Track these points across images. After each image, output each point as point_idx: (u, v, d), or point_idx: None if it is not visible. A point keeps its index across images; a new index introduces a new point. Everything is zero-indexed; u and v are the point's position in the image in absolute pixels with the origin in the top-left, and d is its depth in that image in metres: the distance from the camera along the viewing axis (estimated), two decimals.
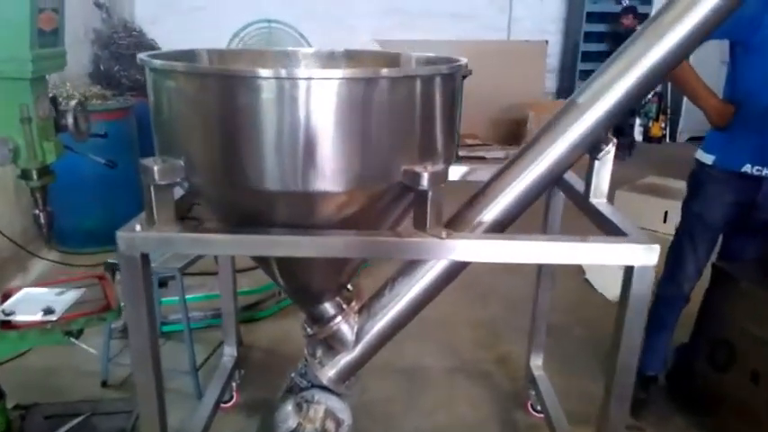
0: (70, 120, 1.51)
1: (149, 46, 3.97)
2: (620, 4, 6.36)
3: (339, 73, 1.06)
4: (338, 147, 1.09)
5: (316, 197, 1.13)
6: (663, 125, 6.79)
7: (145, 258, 1.18)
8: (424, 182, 1.13)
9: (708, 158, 1.86)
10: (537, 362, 2.02)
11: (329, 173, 1.10)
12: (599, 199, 1.44)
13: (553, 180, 1.43)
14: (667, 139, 6.91)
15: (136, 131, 3.32)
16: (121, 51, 3.69)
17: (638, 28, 1.38)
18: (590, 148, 1.40)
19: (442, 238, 1.16)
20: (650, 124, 6.75)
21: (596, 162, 1.42)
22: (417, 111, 1.16)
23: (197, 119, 1.12)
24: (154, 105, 1.20)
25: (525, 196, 1.40)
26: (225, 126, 1.09)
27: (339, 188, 1.12)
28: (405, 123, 1.15)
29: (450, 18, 6.35)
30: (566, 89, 6.66)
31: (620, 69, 1.35)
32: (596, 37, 6.28)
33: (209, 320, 2.63)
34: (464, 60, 1.29)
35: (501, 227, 1.40)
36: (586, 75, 6.34)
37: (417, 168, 1.14)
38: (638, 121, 6.74)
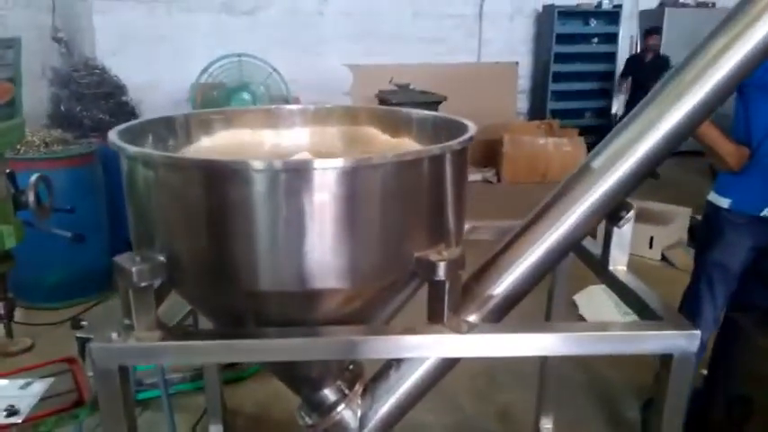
0: (31, 197, 1.35)
1: (112, 83, 3.79)
2: (589, 25, 6.43)
3: (340, 162, 0.93)
4: (342, 240, 0.96)
5: (317, 296, 1.00)
6: None
7: (124, 372, 1.02)
8: (441, 272, 1.01)
9: (724, 202, 1.80)
10: (547, 424, 1.90)
11: (332, 269, 0.97)
12: (619, 267, 1.34)
13: (568, 250, 1.33)
14: None
15: (101, 177, 3.13)
16: (82, 90, 3.49)
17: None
18: (608, 214, 1.30)
19: (462, 333, 1.04)
20: None
21: (615, 229, 1.32)
22: (428, 192, 1.04)
23: (179, 212, 0.98)
24: (129, 193, 1.05)
25: (539, 268, 1.29)
26: (211, 221, 0.95)
27: (343, 285, 0.99)
28: (415, 207, 1.03)
29: (420, 42, 6.31)
30: (537, 109, 6.67)
31: (639, 131, 1.25)
32: (567, 58, 6.31)
33: (190, 384, 2.44)
34: (473, 130, 1.18)
35: (512, 302, 1.28)
36: (558, 95, 6.45)
37: (432, 256, 1.01)
38: None
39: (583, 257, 1.48)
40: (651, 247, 3.77)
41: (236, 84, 3.85)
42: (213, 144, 1.41)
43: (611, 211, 1.29)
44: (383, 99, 5.26)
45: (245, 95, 3.69)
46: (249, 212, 0.92)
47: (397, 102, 4.99)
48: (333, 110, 1.56)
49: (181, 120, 1.36)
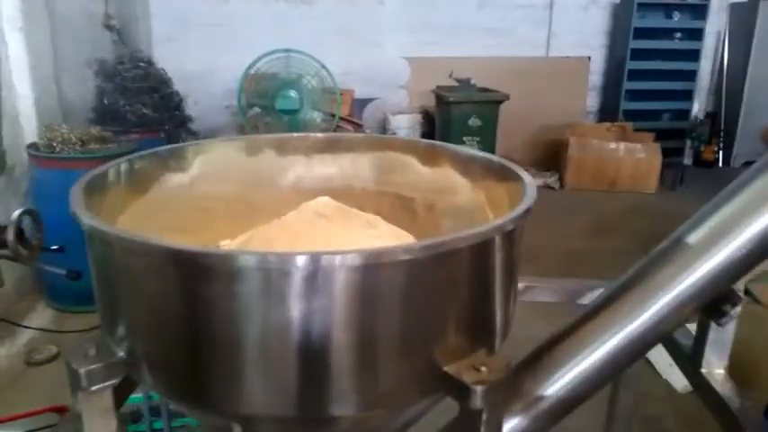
0: (11, 235, 1.17)
1: (158, 77, 3.68)
2: (671, 18, 5.87)
3: (356, 257, 0.68)
4: (349, 352, 0.72)
5: (318, 424, 0.76)
6: (716, 149, 6.26)
7: None
8: (477, 399, 0.75)
9: None
10: None
11: (338, 393, 0.73)
12: (715, 371, 1.04)
13: (648, 346, 1.03)
14: (720, 164, 6.37)
15: None
16: (126, 84, 3.39)
17: None
18: (706, 306, 1.00)
19: None
20: (702, 148, 6.22)
21: (714, 328, 1.02)
22: (466, 286, 0.79)
23: (143, 303, 0.76)
24: (92, 267, 0.85)
25: (607, 366, 1.01)
26: (183, 321, 0.73)
27: (351, 411, 0.75)
28: (447, 306, 0.77)
29: (484, 33, 5.93)
30: (609, 109, 6.18)
31: (754, 199, 0.94)
32: (645, 54, 5.79)
33: None
34: (530, 197, 0.89)
35: (569, 407, 1.01)
36: (632, 94, 5.93)
37: (466, 376, 0.75)
38: (688, 143, 6.23)
39: (668, 347, 1.18)
40: None
41: (284, 79, 3.65)
42: (215, 170, 1.20)
43: (711, 302, 0.99)
44: (440, 96, 4.96)
45: (292, 93, 3.48)
46: (230, 315, 0.69)
47: (455, 100, 4.69)
48: (365, 139, 1.32)
49: (190, 151, 1.15)
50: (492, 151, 4.99)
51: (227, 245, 1.17)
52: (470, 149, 1.22)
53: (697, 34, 5.84)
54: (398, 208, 1.31)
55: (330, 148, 1.33)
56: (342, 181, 1.35)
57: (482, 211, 1.14)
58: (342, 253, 0.67)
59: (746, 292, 3.43)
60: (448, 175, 1.24)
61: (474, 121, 4.71)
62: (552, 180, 5.52)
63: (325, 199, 1.19)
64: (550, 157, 5.80)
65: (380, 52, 5.80)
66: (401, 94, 5.98)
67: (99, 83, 3.49)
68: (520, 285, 1.37)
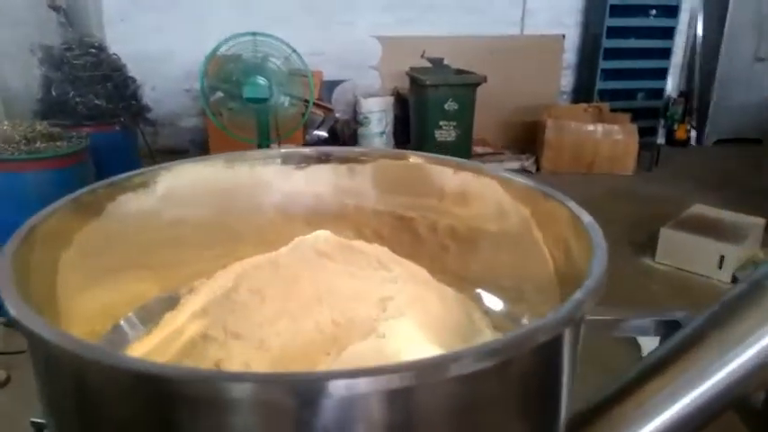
0: None
1: (111, 64, 3.35)
2: None
3: (373, 382, 0.47)
4: None
5: None
6: (688, 128, 6.23)
7: None
8: None
9: None
10: None
11: None
12: None
13: (718, 413, 0.87)
14: (693, 142, 6.35)
15: (94, 176, 2.72)
16: (76, 73, 3.07)
17: None
18: None
19: None
20: (675, 127, 6.18)
21: None
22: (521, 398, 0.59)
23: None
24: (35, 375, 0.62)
25: (680, 427, 0.84)
26: None
27: None
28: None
29: (458, 11, 5.71)
30: (584, 88, 6.07)
31: None
32: (620, 32, 5.66)
33: None
34: (602, 250, 0.70)
35: None
36: (608, 73, 5.82)
37: None
38: (661, 122, 6.17)
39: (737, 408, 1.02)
40: (721, 266, 3.26)
41: (249, 62, 3.36)
42: (185, 190, 0.97)
43: None
44: (415, 78, 4.73)
45: (261, 80, 3.21)
46: None
47: (431, 83, 4.48)
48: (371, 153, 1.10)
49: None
50: (469, 136, 4.82)
51: (200, 286, 0.95)
52: (497, 168, 1.01)
53: (672, 11, 5.74)
54: (399, 230, 1.12)
55: (318, 159, 1.12)
56: (335, 199, 1.14)
57: (520, 235, 0.94)
58: (385, 371, 0.46)
59: (734, 279, 3.32)
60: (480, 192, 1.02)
61: (451, 105, 4.51)
62: (529, 163, 5.39)
63: (324, 233, 0.99)
64: (526, 139, 5.66)
65: (351, 31, 5.52)
66: (372, 75, 5.73)
67: (45, 72, 3.15)
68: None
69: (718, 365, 0.81)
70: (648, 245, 3.63)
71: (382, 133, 5.27)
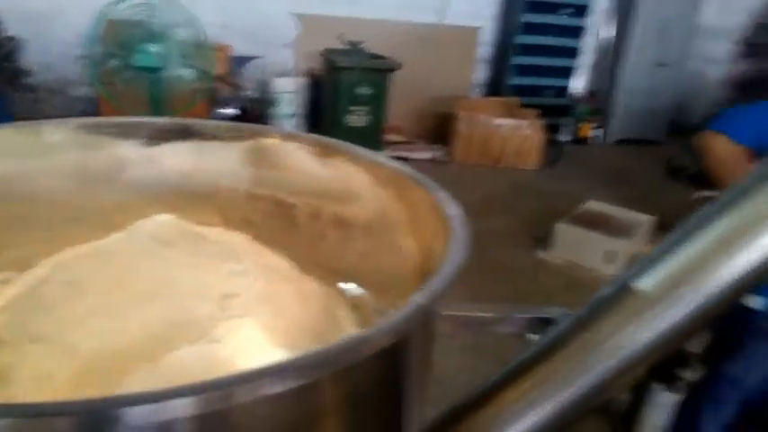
0: None
1: None
2: None
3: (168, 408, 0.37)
4: None
5: None
6: (593, 126, 6.49)
7: None
8: None
9: (756, 301, 1.36)
10: None
11: None
12: None
13: (580, 418, 0.84)
14: (595, 141, 6.62)
15: None
16: None
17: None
18: (654, 368, 0.82)
19: None
20: (580, 125, 6.42)
21: (658, 390, 0.84)
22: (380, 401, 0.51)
23: None
24: None
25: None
26: None
27: None
28: None
29: None
30: (496, 82, 6.16)
31: (730, 233, 0.75)
32: (536, 28, 5.78)
33: None
34: (461, 249, 0.63)
35: None
36: (520, 69, 5.94)
37: None
38: (567, 120, 6.40)
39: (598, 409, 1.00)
40: (609, 261, 3.39)
41: (148, 30, 3.10)
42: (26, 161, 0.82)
43: (661, 365, 0.82)
44: (328, 60, 4.60)
45: (154, 48, 2.97)
46: None
47: (343, 65, 4.36)
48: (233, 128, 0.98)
49: None
50: (381, 122, 4.75)
51: (13, 277, 0.81)
52: (373, 153, 0.92)
53: (584, 11, 5.93)
54: (275, 217, 1.01)
55: (187, 135, 0.99)
56: (199, 180, 1.02)
57: (386, 223, 0.88)
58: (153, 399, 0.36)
59: None
60: (345, 177, 0.95)
61: (363, 90, 4.42)
62: (440, 154, 5.41)
63: (167, 217, 0.86)
64: (440, 129, 5.68)
65: (264, 5, 5.28)
66: (286, 53, 5.52)
67: None
68: None
69: (580, 370, 0.77)
70: (546, 239, 3.73)
71: (293, 115, 5.09)
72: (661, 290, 0.76)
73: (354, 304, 0.92)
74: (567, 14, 5.88)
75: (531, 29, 5.75)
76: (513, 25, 5.81)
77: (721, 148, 1.27)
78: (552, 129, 6.06)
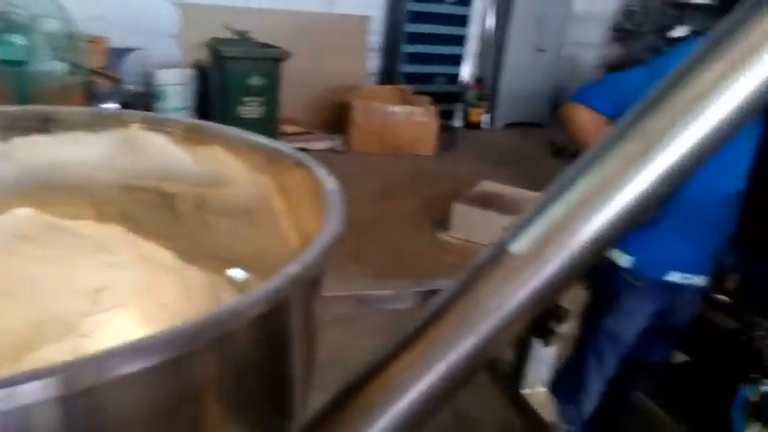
0: None
1: None
2: None
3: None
4: None
5: None
6: (482, 111, 6.75)
7: None
8: None
9: (624, 259, 1.47)
10: None
11: None
12: (538, 389, 0.92)
13: (473, 376, 0.88)
14: (486, 125, 6.91)
15: None
16: None
17: None
18: (533, 324, 0.87)
19: None
20: (470, 110, 6.67)
21: (538, 345, 0.89)
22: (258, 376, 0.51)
23: None
24: None
25: (428, 404, 0.83)
26: None
27: None
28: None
29: None
30: (389, 70, 6.24)
31: (583, 201, 0.81)
32: (422, 17, 5.90)
33: None
34: (337, 218, 0.64)
35: None
36: (412, 57, 6.05)
37: None
38: (459, 106, 6.62)
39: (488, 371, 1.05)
40: None
41: (10, 20, 2.84)
42: None
43: (538, 320, 0.87)
44: (215, 50, 4.44)
45: (17, 39, 2.72)
46: None
47: (231, 55, 4.23)
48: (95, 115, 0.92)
49: None
50: (275, 113, 4.66)
51: None
52: (246, 133, 0.91)
53: (467, 0, 6.13)
54: (155, 208, 0.97)
55: (47, 124, 0.92)
56: (68, 172, 0.95)
57: (267, 207, 0.87)
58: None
59: None
60: (220, 162, 0.93)
61: (255, 80, 4.32)
62: (338, 143, 5.41)
63: (25, 211, 0.80)
64: (336, 119, 5.67)
65: None
66: (170, 44, 5.26)
67: None
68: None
69: (465, 331, 0.80)
70: (445, 220, 3.85)
71: (181, 108, 4.88)
72: (532, 250, 0.81)
73: (241, 289, 0.90)
74: (451, 3, 6.06)
75: (418, 17, 5.87)
76: (400, 14, 5.90)
77: (583, 117, 1.37)
78: (445, 115, 6.25)
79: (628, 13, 7.49)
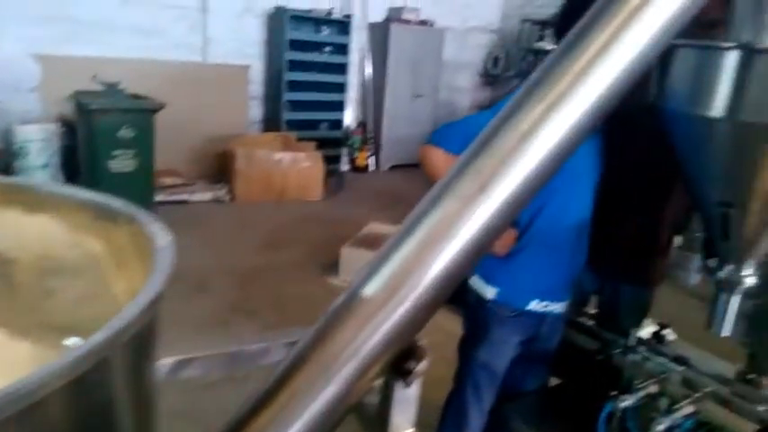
0: None
1: None
2: (321, 32, 6.21)
3: None
4: None
5: None
6: (367, 155, 6.90)
7: None
8: None
9: (490, 291, 1.53)
10: None
11: None
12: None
13: (336, 424, 0.85)
14: (372, 168, 7.06)
15: None
16: None
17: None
18: (391, 365, 0.86)
19: None
20: (356, 155, 6.80)
21: (400, 387, 0.89)
22: None
23: None
24: None
25: None
26: None
27: None
28: None
29: (133, 32, 5.31)
30: (272, 119, 6.23)
31: (432, 233, 0.83)
32: (301, 65, 5.99)
33: None
34: (167, 266, 0.61)
35: None
36: (293, 105, 6.09)
37: None
38: (345, 151, 6.73)
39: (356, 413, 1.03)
40: None
41: None
42: None
43: (396, 360, 0.87)
44: (81, 103, 4.20)
45: None
46: None
47: (99, 107, 4.02)
48: None
49: None
50: (150, 166, 4.46)
51: None
52: (73, 190, 0.84)
53: (343, 49, 6.32)
54: None
55: None
56: None
57: (96, 268, 0.82)
58: None
59: None
60: (43, 224, 0.87)
61: (126, 132, 4.12)
62: (222, 193, 5.27)
63: None
64: (219, 169, 5.54)
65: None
66: (31, 98, 4.92)
67: None
68: (168, 361, 1.06)
69: (323, 381, 0.79)
70: (334, 265, 3.83)
71: (46, 165, 4.54)
72: (384, 293, 0.82)
73: None
74: (329, 52, 6.21)
75: (297, 66, 5.95)
76: (279, 63, 5.95)
77: (436, 159, 1.43)
78: (332, 160, 6.32)
79: (493, 60, 8.10)
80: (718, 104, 1.13)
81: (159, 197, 4.83)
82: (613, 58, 0.84)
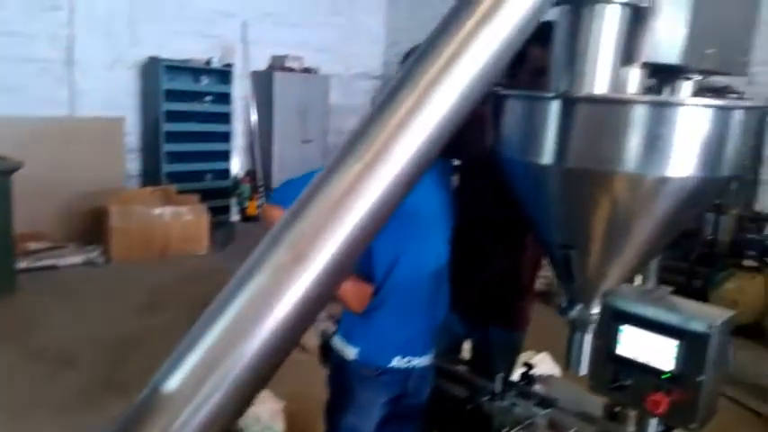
0: None
1: None
2: (200, 82, 6.06)
3: None
4: None
5: None
6: (258, 204, 6.73)
7: None
8: None
9: (351, 352, 1.46)
10: None
11: None
12: None
13: None
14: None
15: None
16: None
17: None
18: None
19: None
20: (246, 204, 6.61)
21: None
22: None
23: None
24: None
25: None
26: None
27: None
28: None
29: None
30: (151, 172, 5.93)
31: (243, 313, 0.75)
32: (179, 116, 5.77)
33: None
34: None
35: None
36: (173, 156, 5.83)
37: None
38: (233, 201, 6.52)
39: None
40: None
41: None
42: None
43: None
44: None
45: None
46: None
47: None
48: None
49: None
50: (9, 230, 4.06)
51: None
52: None
53: (225, 98, 6.18)
54: None
55: None
56: None
57: None
58: None
59: None
60: None
61: None
62: (95, 255, 4.89)
63: None
64: (92, 228, 5.15)
65: None
66: None
67: None
68: None
69: None
70: None
71: None
72: (187, 390, 0.72)
73: None
74: (209, 102, 6.06)
75: (175, 117, 5.74)
76: (155, 114, 5.70)
77: (275, 216, 1.36)
78: (220, 210, 6.08)
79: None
80: (547, 151, 1.15)
81: (23, 264, 4.41)
82: (420, 120, 0.83)
